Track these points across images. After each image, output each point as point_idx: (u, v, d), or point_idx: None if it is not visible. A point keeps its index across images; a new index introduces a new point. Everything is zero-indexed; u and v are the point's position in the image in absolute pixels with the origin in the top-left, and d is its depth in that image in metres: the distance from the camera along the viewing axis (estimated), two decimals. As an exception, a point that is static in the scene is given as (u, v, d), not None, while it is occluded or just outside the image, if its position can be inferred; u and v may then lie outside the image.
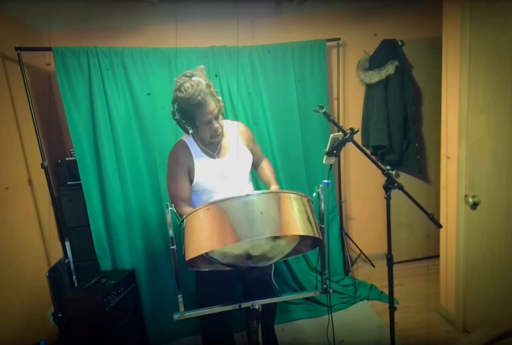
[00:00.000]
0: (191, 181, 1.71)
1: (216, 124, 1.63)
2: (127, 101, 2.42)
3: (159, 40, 2.67)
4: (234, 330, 1.98)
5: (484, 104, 1.87)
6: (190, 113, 1.60)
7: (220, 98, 1.68)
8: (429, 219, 1.51)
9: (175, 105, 1.63)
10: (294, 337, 2.31)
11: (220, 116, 1.68)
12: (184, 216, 1.25)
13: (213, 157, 1.74)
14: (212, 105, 1.59)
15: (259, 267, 1.38)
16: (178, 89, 1.54)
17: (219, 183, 1.72)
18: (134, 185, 2.45)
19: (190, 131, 1.65)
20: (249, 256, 1.27)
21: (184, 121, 1.63)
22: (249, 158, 1.83)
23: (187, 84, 1.52)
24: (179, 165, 1.68)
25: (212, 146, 1.75)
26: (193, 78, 1.55)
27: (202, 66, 1.61)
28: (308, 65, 2.76)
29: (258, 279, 1.82)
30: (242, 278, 1.87)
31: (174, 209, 1.41)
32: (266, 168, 1.95)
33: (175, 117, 1.65)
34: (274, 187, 1.79)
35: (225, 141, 1.78)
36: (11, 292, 1.98)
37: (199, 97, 1.52)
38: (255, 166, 1.98)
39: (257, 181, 2.36)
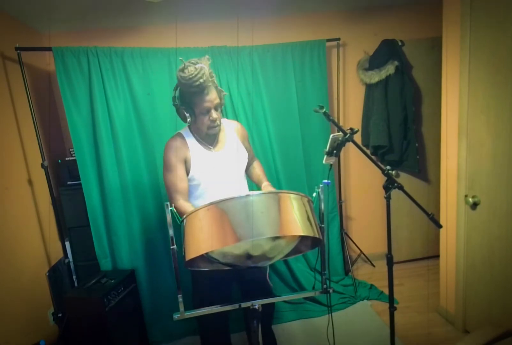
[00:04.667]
0: (187, 173, 1.71)
1: (215, 115, 1.64)
2: (127, 101, 2.42)
3: (159, 40, 2.67)
4: (232, 331, 1.98)
5: (484, 104, 1.86)
6: (190, 99, 1.61)
7: (222, 90, 1.69)
8: (429, 219, 1.51)
9: (177, 91, 1.65)
10: (294, 337, 2.31)
11: (220, 110, 1.69)
12: (184, 216, 1.25)
13: (209, 150, 1.75)
14: (213, 94, 1.61)
15: (256, 267, 1.38)
16: (181, 70, 1.55)
17: (214, 176, 1.73)
18: (134, 185, 2.45)
19: (188, 120, 1.65)
20: (249, 256, 1.27)
21: (183, 107, 1.64)
22: (244, 155, 1.85)
23: (190, 67, 1.54)
24: (175, 156, 1.68)
25: (208, 140, 1.76)
26: (197, 65, 1.56)
27: (207, 56, 1.62)
28: (308, 65, 2.76)
29: (255, 279, 1.83)
30: (239, 279, 1.87)
31: (170, 203, 1.37)
32: (257, 168, 1.98)
33: (175, 103, 1.66)
34: (265, 183, 1.81)
35: (221, 136, 1.80)
36: (11, 292, 1.98)
37: (201, 80, 1.53)
38: (247, 166, 1.98)
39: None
